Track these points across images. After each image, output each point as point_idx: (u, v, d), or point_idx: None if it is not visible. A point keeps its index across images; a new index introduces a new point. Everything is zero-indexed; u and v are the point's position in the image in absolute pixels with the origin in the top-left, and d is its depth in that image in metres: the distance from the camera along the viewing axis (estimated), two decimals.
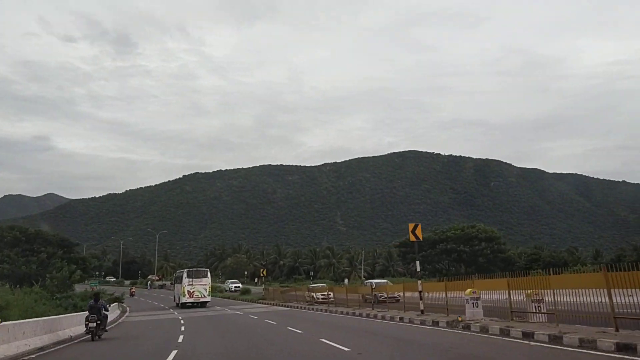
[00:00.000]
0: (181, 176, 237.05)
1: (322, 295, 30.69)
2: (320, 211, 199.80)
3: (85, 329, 15.69)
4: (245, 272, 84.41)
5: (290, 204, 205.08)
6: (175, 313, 30.24)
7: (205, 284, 37.81)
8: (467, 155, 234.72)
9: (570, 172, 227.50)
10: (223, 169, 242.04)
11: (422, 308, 17.28)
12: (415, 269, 18.96)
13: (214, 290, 42.07)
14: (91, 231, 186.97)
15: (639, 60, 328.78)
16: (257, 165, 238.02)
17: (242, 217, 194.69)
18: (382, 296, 23.72)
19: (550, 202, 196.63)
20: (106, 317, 16.69)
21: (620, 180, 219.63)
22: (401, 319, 17.09)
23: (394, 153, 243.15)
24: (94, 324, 15.49)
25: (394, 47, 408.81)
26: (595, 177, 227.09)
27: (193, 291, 37.01)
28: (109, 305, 22.61)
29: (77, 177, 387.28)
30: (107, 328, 16.99)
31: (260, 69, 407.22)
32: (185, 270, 40.32)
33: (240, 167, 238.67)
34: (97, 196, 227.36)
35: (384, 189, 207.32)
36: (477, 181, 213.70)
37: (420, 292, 17.59)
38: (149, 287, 77.41)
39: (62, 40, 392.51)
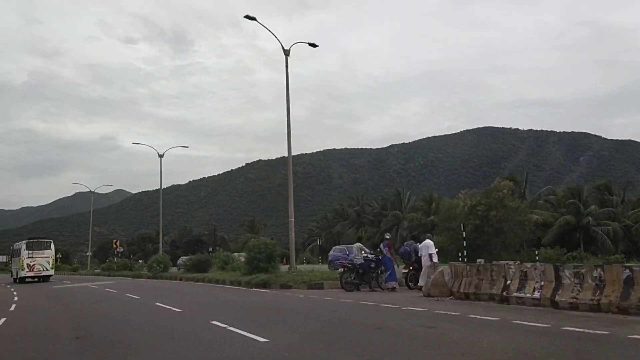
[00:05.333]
0: (244, 164, 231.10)
1: None
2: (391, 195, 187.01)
3: None
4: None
5: (358, 189, 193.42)
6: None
7: (48, 256, 34.82)
8: (549, 129, 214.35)
9: None
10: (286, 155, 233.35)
11: None
12: None
13: None
14: (156, 223, 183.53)
15: None
16: (321, 150, 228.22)
17: (308, 204, 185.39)
18: None
19: None
20: None
21: None
22: None
23: (467, 130, 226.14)
24: None
25: (449, 27, 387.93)
26: None
27: (34, 264, 33.75)
28: None
29: (142, 174, 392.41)
30: None
31: (313, 59, 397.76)
32: (24, 241, 35.90)
33: (304, 152, 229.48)
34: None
35: (460, 169, 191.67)
36: (563, 156, 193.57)
37: None
38: None
39: (123, 42, 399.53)
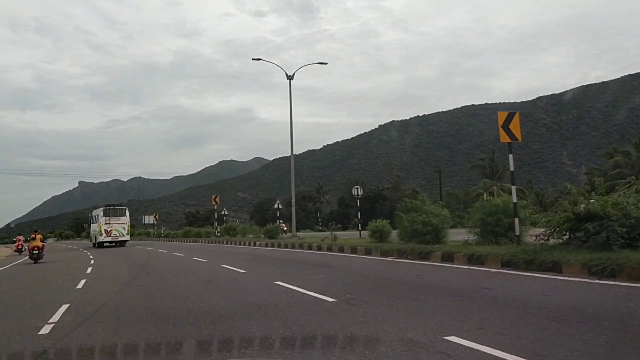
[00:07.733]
0: (377, 127, 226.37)
1: None
2: (540, 152, 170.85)
3: None
4: None
5: (503, 146, 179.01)
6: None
7: (124, 223, 35.88)
8: None
9: None
10: (419, 115, 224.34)
11: None
12: None
13: None
14: (296, 187, 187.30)
15: None
16: (459, 107, 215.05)
17: (447, 164, 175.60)
18: None
19: None
20: None
21: None
22: None
23: (630, 75, 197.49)
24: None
25: None
26: None
27: (111, 230, 35.03)
28: None
29: (277, 143, 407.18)
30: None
31: (442, 16, 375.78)
32: (102, 208, 37.10)
33: (439, 110, 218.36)
34: (297, 153, 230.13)
35: (625, 118, 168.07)
36: None
37: None
38: None
39: (253, 16, 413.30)
